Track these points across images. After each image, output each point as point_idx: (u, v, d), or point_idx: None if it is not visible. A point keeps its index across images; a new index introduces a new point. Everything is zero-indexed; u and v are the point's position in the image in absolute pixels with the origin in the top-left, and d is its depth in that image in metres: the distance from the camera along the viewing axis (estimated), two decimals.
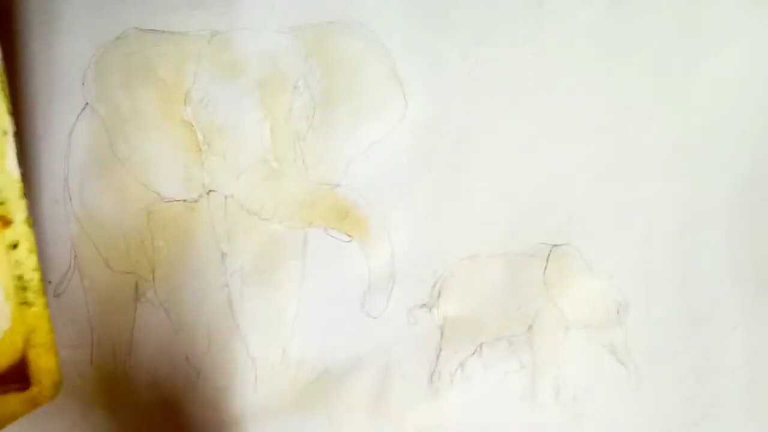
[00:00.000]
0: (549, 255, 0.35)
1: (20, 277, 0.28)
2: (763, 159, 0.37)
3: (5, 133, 0.28)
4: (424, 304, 0.35)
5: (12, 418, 0.28)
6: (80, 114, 0.33)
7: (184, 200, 0.34)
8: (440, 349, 0.35)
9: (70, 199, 0.33)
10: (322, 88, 0.35)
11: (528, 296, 0.35)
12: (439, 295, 0.35)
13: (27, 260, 0.28)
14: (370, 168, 0.35)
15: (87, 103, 0.33)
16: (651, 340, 0.34)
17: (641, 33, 0.37)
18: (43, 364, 0.28)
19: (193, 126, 0.34)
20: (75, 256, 0.33)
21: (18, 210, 0.27)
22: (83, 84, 0.34)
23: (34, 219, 0.33)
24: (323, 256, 0.34)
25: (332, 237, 0.35)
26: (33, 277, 0.28)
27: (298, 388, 0.34)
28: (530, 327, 0.35)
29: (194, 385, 0.33)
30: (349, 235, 0.35)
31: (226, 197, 0.34)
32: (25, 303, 0.28)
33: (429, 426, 0.34)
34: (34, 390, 0.28)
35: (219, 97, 0.34)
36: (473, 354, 0.35)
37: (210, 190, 0.34)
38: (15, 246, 0.28)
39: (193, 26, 0.34)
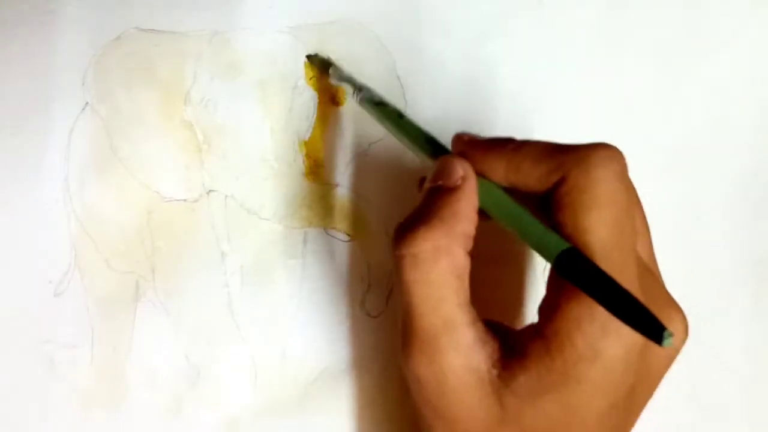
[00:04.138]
0: None
1: None
2: (763, 159, 0.37)
3: None
4: None
5: None
6: (80, 114, 0.33)
7: (184, 200, 0.34)
8: None
9: (70, 199, 0.33)
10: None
11: (528, 296, 0.35)
12: None
13: None
14: (370, 168, 0.35)
15: (87, 103, 0.33)
16: None
17: (642, 33, 0.37)
18: None
19: (193, 126, 0.34)
20: (75, 256, 0.33)
21: None
22: (83, 84, 0.34)
23: (34, 219, 0.33)
24: (323, 256, 0.35)
25: (332, 237, 0.35)
26: None
27: (298, 388, 0.34)
28: None
29: (194, 385, 0.33)
30: (349, 235, 0.35)
31: (226, 197, 0.34)
32: None
33: None
34: None
35: (219, 97, 0.34)
36: None
37: (210, 190, 0.34)
38: None
39: (193, 26, 0.34)
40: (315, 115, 0.35)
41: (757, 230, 0.37)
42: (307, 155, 0.35)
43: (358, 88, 0.32)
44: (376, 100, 0.31)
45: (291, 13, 0.35)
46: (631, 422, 0.27)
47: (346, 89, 0.33)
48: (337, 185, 0.35)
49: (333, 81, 0.34)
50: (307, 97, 0.35)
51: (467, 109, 0.36)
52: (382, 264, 0.35)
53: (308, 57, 0.35)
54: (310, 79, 0.35)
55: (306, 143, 0.35)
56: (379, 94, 0.32)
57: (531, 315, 0.35)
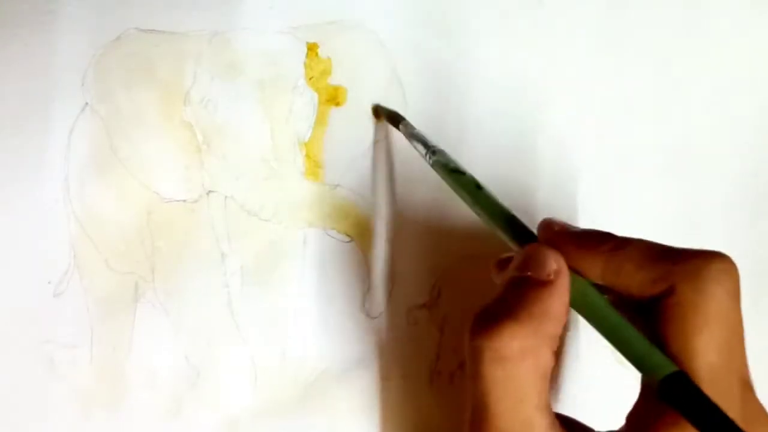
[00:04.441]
0: None
1: None
2: (763, 159, 0.37)
3: None
4: (423, 304, 0.35)
5: None
6: (80, 114, 0.33)
7: (184, 200, 0.34)
8: (440, 349, 0.35)
9: (70, 200, 0.33)
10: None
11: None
12: (439, 295, 0.35)
13: None
14: (370, 168, 0.35)
15: (87, 103, 0.33)
16: None
17: (642, 33, 0.37)
18: None
19: (192, 126, 0.34)
20: (75, 256, 0.33)
21: None
22: (83, 84, 0.34)
23: (34, 219, 0.33)
24: (323, 256, 0.34)
25: (332, 237, 0.35)
26: None
27: (298, 388, 0.34)
28: None
29: (194, 385, 0.33)
30: (349, 235, 0.35)
31: (226, 198, 0.34)
32: None
33: (429, 426, 0.34)
34: None
35: (219, 97, 0.34)
36: None
37: (210, 191, 0.34)
38: None
39: (193, 26, 0.34)
40: (315, 115, 0.35)
41: (757, 230, 0.37)
42: (307, 155, 0.35)
43: (431, 150, 0.30)
44: (451, 167, 0.29)
45: (291, 13, 0.35)
46: None
47: (418, 149, 0.32)
48: (337, 185, 0.35)
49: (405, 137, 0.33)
50: (307, 97, 0.35)
51: (467, 110, 0.36)
52: (381, 265, 0.35)
53: (377, 107, 0.35)
54: (310, 79, 0.35)
55: (306, 143, 0.35)
56: (454, 160, 0.30)
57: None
